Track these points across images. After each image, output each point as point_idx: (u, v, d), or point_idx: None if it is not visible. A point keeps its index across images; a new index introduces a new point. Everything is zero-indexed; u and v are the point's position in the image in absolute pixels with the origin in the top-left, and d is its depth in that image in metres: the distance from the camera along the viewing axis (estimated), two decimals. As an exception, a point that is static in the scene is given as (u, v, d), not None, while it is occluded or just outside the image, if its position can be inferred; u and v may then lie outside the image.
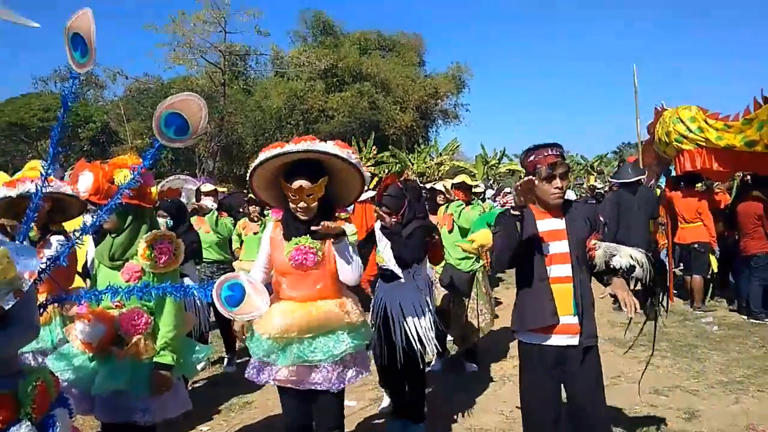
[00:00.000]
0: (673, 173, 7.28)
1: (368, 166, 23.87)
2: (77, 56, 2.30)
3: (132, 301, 2.76)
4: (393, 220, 3.68)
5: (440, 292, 5.22)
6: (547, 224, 2.76)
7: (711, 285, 7.58)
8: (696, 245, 7.22)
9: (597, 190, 15.92)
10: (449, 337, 5.55)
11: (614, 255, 2.63)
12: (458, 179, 5.83)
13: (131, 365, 2.74)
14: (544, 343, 2.73)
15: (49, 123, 23.34)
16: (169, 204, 4.89)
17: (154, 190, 3.00)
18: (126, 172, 2.79)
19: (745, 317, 6.71)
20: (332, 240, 2.75)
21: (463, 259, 5.19)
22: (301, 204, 2.75)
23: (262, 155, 2.72)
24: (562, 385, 2.80)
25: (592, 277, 2.80)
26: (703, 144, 6.14)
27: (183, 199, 7.03)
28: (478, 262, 5.26)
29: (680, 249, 7.83)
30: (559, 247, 2.72)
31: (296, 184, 2.71)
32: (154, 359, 2.77)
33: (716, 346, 5.67)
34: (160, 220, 4.88)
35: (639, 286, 2.85)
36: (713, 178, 7.45)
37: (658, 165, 7.59)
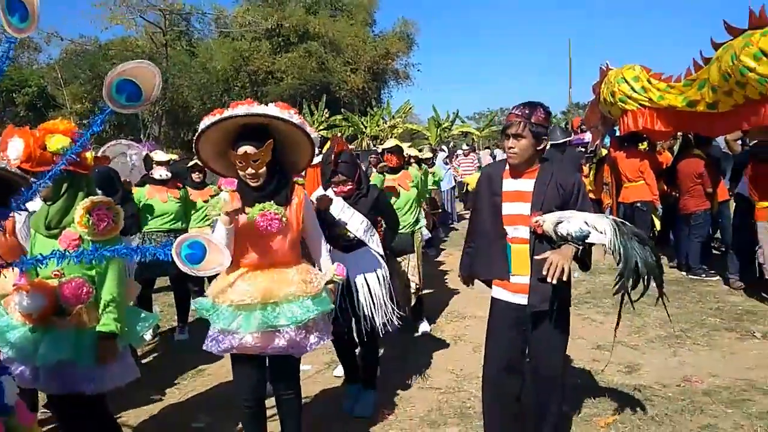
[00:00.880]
0: (618, 133, 7.43)
1: (320, 130, 23.64)
2: (15, 21, 2.16)
3: (72, 270, 2.68)
4: (349, 187, 3.58)
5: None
6: (513, 184, 2.77)
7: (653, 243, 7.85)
8: (639, 204, 7.42)
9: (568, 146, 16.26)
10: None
11: (560, 222, 2.56)
12: (389, 144, 5.79)
13: (75, 335, 2.68)
14: (504, 299, 2.80)
15: (-21, 87, 22.03)
16: (96, 173, 4.49)
17: (89, 155, 2.87)
18: (59, 136, 2.67)
19: (684, 273, 7.01)
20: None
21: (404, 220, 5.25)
22: (249, 170, 2.69)
23: (202, 124, 2.66)
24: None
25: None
26: (646, 104, 6.25)
27: (127, 166, 6.77)
28: (417, 224, 5.38)
29: (624, 208, 8.10)
30: (521, 208, 2.72)
31: (241, 150, 2.65)
32: (98, 328, 2.70)
33: (656, 302, 5.90)
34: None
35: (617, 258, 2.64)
36: (655, 138, 7.63)
37: (603, 125, 7.72)
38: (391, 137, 23.27)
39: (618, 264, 2.63)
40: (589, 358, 4.48)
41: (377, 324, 3.61)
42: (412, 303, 5.39)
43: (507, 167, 2.80)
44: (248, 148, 2.65)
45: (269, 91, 25.76)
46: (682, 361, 4.34)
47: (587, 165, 9.75)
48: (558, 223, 2.58)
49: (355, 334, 3.75)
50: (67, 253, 2.29)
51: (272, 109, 2.64)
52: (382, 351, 4.60)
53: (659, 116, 6.23)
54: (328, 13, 29.10)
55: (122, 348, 2.86)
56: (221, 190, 2.90)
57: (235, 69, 25.79)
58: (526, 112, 2.65)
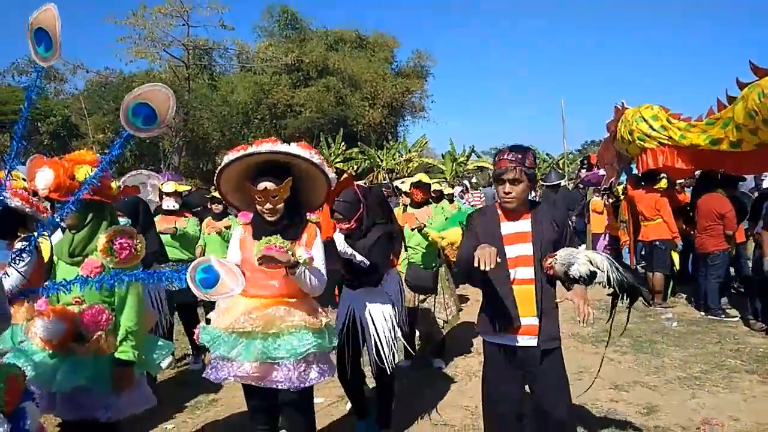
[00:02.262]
0: (635, 171, 7.42)
1: (337, 163, 23.90)
2: (41, 51, 2.30)
3: (92, 297, 2.74)
4: (346, 226, 3.53)
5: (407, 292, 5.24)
6: (511, 226, 2.80)
7: (672, 281, 7.76)
8: (657, 242, 7.39)
9: (562, 187, 16.25)
10: (417, 334, 5.58)
11: (572, 264, 2.63)
12: (416, 178, 5.74)
13: (92, 361, 2.71)
14: (505, 343, 2.78)
15: (6, 117, 22.60)
16: (124, 202, 4.52)
17: (114, 185, 2.95)
18: (87, 167, 2.77)
19: (703, 313, 6.89)
20: (287, 269, 2.64)
21: (426, 256, 5.22)
22: (267, 206, 2.76)
23: (226, 158, 2.74)
24: (527, 386, 2.85)
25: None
26: (666, 142, 6.26)
27: (149, 197, 6.86)
28: (440, 258, 5.31)
29: (642, 245, 8.04)
30: (523, 249, 2.75)
31: (261, 185, 2.72)
32: (115, 355, 2.74)
33: (675, 342, 5.82)
34: (120, 220, 4.74)
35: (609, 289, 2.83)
36: (675, 176, 7.61)
37: (618, 163, 7.72)
38: (409, 171, 23.49)
39: (612, 291, 2.80)
40: (606, 398, 4.40)
41: (386, 361, 3.56)
42: (438, 338, 5.36)
43: (499, 211, 2.83)
44: (268, 184, 2.72)
45: (288, 124, 26.18)
46: (702, 404, 4.24)
47: (603, 201, 9.75)
48: (570, 266, 2.64)
49: (369, 369, 3.70)
50: (89, 279, 2.36)
51: (295, 149, 2.72)
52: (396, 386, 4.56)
53: (680, 154, 6.23)
54: (349, 51, 29.67)
55: (139, 375, 2.89)
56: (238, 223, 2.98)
57: (256, 102, 26.27)
58: (519, 156, 2.69)
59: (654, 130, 6.37)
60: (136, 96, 2.26)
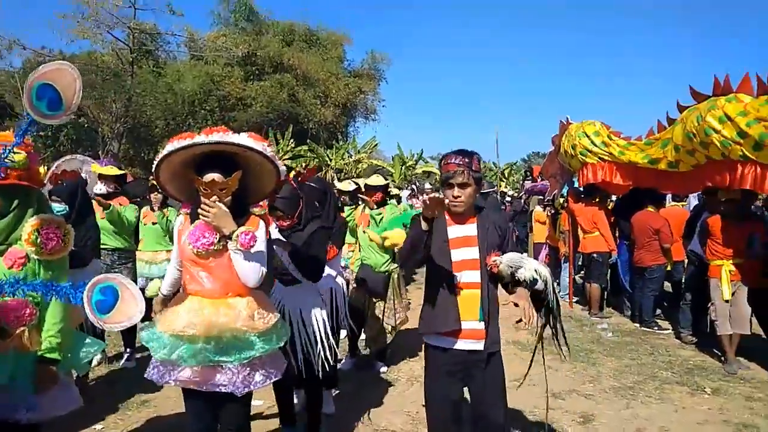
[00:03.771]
0: (576, 184, 7.61)
1: (285, 159, 23.57)
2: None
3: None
4: (287, 223, 3.44)
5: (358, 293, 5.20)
6: (458, 230, 2.78)
7: (606, 293, 8.00)
8: (595, 255, 7.61)
9: (507, 196, 16.58)
10: (362, 337, 5.52)
11: (520, 267, 2.67)
12: (376, 181, 5.72)
13: (14, 359, 2.51)
14: (448, 347, 2.75)
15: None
16: (62, 188, 4.37)
17: (42, 170, 2.75)
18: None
19: (638, 325, 7.12)
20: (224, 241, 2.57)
21: (379, 258, 5.17)
22: (214, 199, 2.59)
23: (170, 146, 2.53)
24: (466, 388, 2.84)
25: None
26: (607, 158, 6.45)
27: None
28: (394, 263, 5.25)
29: (581, 257, 8.26)
30: (469, 253, 2.74)
31: (208, 177, 2.56)
32: (39, 353, 2.55)
33: (610, 352, 5.98)
34: (55, 206, 4.46)
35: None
36: (613, 191, 7.86)
37: (561, 176, 7.91)
38: (357, 172, 23.42)
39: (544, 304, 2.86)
40: (544, 406, 4.44)
41: (315, 364, 3.50)
42: (384, 342, 5.32)
43: (446, 216, 2.81)
44: (216, 176, 2.57)
45: (237, 117, 25.60)
46: (635, 414, 4.35)
47: (545, 212, 9.96)
48: (518, 268, 2.67)
49: (296, 374, 3.59)
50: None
51: (247, 140, 2.56)
52: (335, 392, 4.49)
53: (619, 170, 6.43)
54: (301, 46, 29.34)
55: (64, 375, 2.71)
56: (179, 213, 2.82)
57: (204, 92, 25.59)
58: (466, 160, 2.68)
59: (595, 145, 6.56)
60: (41, 75, 2.13)
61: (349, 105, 29.96)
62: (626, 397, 4.70)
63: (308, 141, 25.87)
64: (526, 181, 14.89)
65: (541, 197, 10.01)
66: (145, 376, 2.66)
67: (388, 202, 5.70)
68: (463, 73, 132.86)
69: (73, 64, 2.44)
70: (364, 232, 5.25)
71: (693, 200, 9.63)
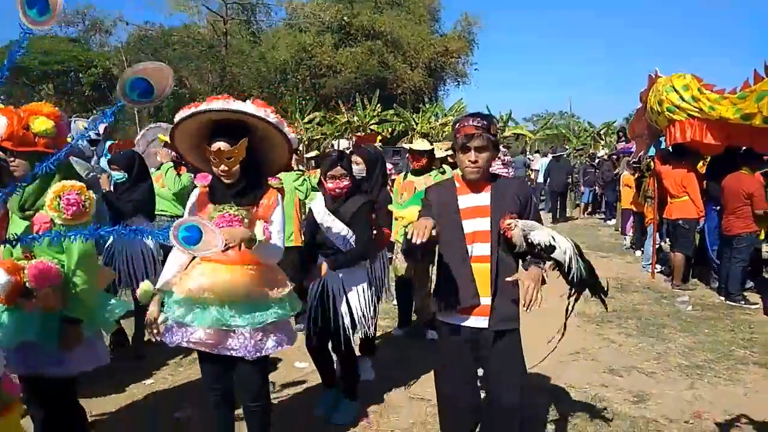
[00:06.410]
0: (663, 145, 7.01)
1: (371, 124, 23.66)
2: (33, 14, 2.17)
3: (42, 252, 2.70)
4: (344, 183, 3.38)
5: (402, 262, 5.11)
6: (469, 200, 2.59)
7: (692, 262, 7.40)
8: (681, 221, 7.02)
9: (598, 158, 15.72)
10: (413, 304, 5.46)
11: (533, 230, 2.41)
12: (421, 146, 5.35)
13: (40, 318, 2.66)
14: (457, 323, 2.60)
15: (50, 66, 23.07)
16: (120, 156, 4.64)
17: (68, 139, 2.86)
18: (42, 119, 2.72)
19: (723, 299, 6.54)
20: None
21: None
22: (222, 167, 2.62)
23: (176, 117, 2.63)
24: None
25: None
26: (696, 114, 5.87)
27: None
28: None
29: (667, 223, 7.65)
30: (481, 224, 2.55)
31: (215, 146, 2.59)
32: (63, 312, 2.68)
33: (686, 328, 5.53)
34: (115, 174, 4.70)
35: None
36: (704, 152, 7.16)
37: (649, 135, 7.30)
38: (443, 136, 23.03)
39: (569, 279, 2.56)
40: (598, 383, 4.21)
41: (352, 339, 3.50)
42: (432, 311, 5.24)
43: (457, 185, 2.64)
44: (222, 145, 2.59)
45: (326, 83, 25.92)
46: (698, 395, 3.99)
47: (633, 175, 9.33)
48: (531, 231, 2.42)
49: (330, 347, 3.64)
50: (61, 232, 2.30)
51: (248, 107, 2.58)
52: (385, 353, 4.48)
53: (709, 128, 5.85)
54: (391, 10, 29.04)
55: (91, 333, 2.84)
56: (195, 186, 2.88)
57: (296, 61, 26.04)
58: (485, 123, 2.49)
59: (684, 101, 5.98)
60: (136, 72, 2.20)
61: (436, 66, 29.40)
62: (692, 376, 4.33)
63: (394, 105, 25.72)
64: (620, 142, 14.01)
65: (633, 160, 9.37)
66: (160, 339, 2.75)
67: (436, 169, 5.42)
68: (560, 30, 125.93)
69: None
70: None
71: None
